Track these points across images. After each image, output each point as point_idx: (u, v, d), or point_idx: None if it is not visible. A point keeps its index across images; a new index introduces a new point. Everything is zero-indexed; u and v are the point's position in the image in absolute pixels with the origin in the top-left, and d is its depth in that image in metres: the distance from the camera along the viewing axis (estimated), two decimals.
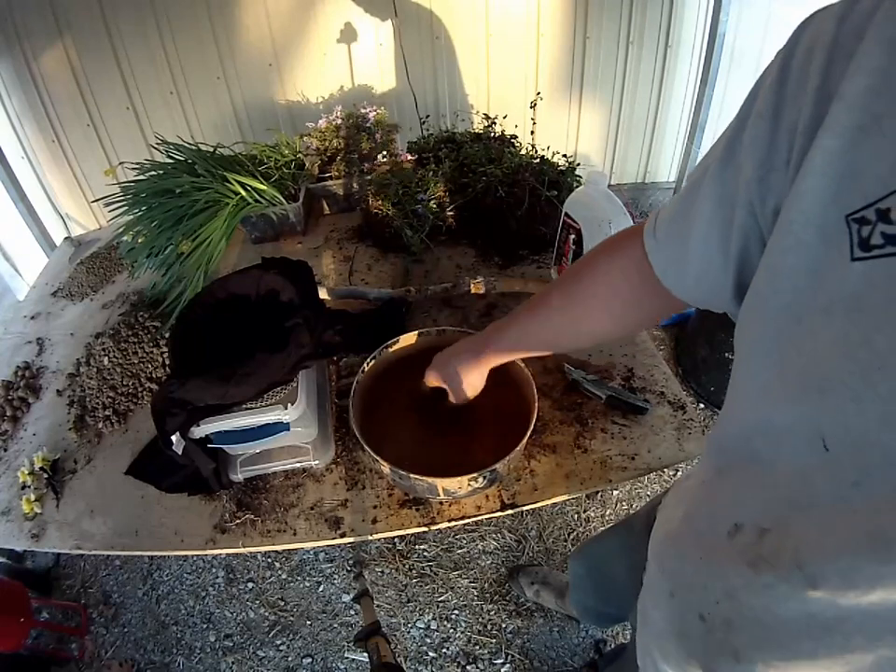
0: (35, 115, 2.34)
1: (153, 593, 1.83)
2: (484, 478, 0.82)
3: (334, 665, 1.59)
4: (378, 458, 0.81)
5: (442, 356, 0.85)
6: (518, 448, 0.80)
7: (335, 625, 1.65)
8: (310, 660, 1.61)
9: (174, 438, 0.90)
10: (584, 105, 2.35)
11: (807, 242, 0.34)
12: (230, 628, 1.70)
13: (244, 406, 0.88)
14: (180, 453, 0.92)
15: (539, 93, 1.48)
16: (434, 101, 2.30)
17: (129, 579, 1.88)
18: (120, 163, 1.45)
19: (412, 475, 0.80)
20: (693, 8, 2.21)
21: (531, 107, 1.40)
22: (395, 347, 0.94)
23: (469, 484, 0.82)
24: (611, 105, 2.37)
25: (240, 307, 0.98)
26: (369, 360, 0.92)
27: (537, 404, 0.85)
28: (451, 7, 2.13)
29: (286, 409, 0.86)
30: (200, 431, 0.89)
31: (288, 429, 0.90)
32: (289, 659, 1.62)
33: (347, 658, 1.59)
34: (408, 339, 0.95)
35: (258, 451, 0.98)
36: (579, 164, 1.37)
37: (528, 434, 0.81)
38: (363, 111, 1.50)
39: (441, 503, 0.93)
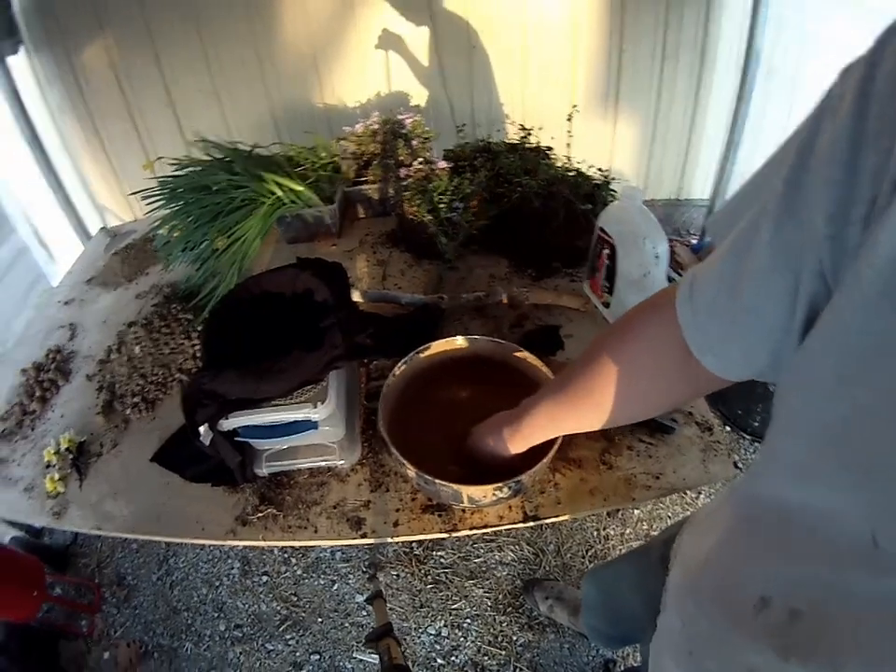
0: (75, 108, 2.40)
1: (167, 578, 1.85)
2: (509, 488, 0.82)
3: (342, 664, 1.59)
4: (404, 462, 0.82)
5: (478, 430, 0.85)
6: (545, 460, 0.80)
7: (346, 624, 1.65)
8: (318, 657, 1.61)
9: (202, 429, 0.91)
10: (620, 118, 2.34)
11: (875, 301, 0.28)
12: (240, 619, 1.72)
13: (273, 402, 0.89)
14: (207, 444, 0.93)
15: (575, 106, 1.48)
16: (469, 109, 2.31)
17: (144, 562, 1.91)
18: (159, 158, 1.47)
19: (437, 481, 0.80)
20: (730, 25, 2.18)
21: (567, 120, 1.40)
22: (426, 353, 0.95)
23: (493, 494, 0.82)
24: (647, 120, 2.35)
25: (274, 305, 0.99)
26: (400, 364, 0.92)
27: None
28: (488, 17, 2.13)
29: (315, 407, 0.87)
30: (228, 424, 0.91)
31: (316, 428, 0.91)
32: (297, 654, 1.63)
33: (355, 658, 1.59)
34: (439, 345, 0.95)
35: (284, 447, 0.99)
36: (614, 179, 1.37)
37: (556, 447, 0.81)
38: (400, 117, 1.51)
39: (463, 511, 0.93)
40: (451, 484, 0.80)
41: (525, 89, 2.28)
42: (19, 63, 2.23)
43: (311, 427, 0.91)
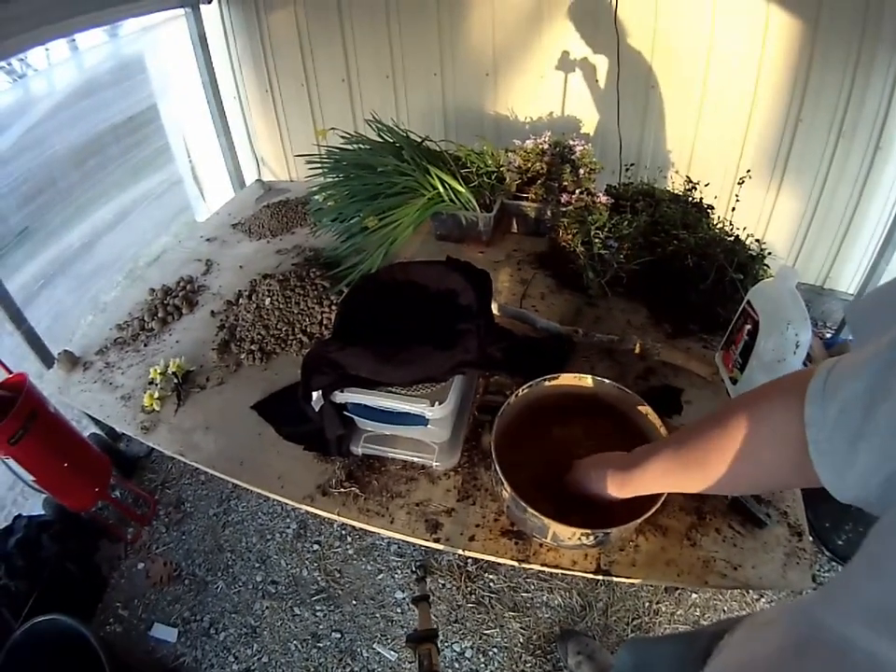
0: (255, 63, 2.57)
1: (224, 517, 1.94)
2: (595, 537, 0.80)
3: (359, 650, 1.60)
4: (503, 481, 0.81)
5: (583, 464, 0.85)
6: (639, 519, 0.78)
7: (377, 615, 1.66)
8: (339, 636, 1.63)
9: (315, 394, 0.95)
10: (782, 189, 2.23)
11: None
12: (279, 576, 1.77)
13: (392, 389, 0.91)
14: (316, 410, 0.96)
15: (749, 171, 1.42)
16: (637, 150, 2.28)
17: (207, 495, 2.00)
18: (332, 128, 1.53)
19: (529, 509, 0.79)
20: None
21: (739, 184, 1.34)
22: (552, 382, 0.94)
23: (578, 538, 0.80)
24: (810, 197, 2.22)
25: (415, 295, 1.01)
26: (524, 387, 0.92)
27: None
28: (671, 63, 2.10)
29: (432, 406, 0.88)
30: (342, 397, 0.93)
31: (426, 425, 0.92)
32: (320, 627, 1.65)
33: (374, 649, 1.59)
34: (567, 379, 0.94)
35: (386, 433, 1.01)
36: (770, 254, 1.30)
37: (654, 509, 0.78)
38: (571, 143, 1.51)
39: (541, 545, 0.91)
40: (542, 517, 0.79)
41: (696, 141, 2.22)
42: (211, 11, 2.44)
43: (421, 422, 0.92)
